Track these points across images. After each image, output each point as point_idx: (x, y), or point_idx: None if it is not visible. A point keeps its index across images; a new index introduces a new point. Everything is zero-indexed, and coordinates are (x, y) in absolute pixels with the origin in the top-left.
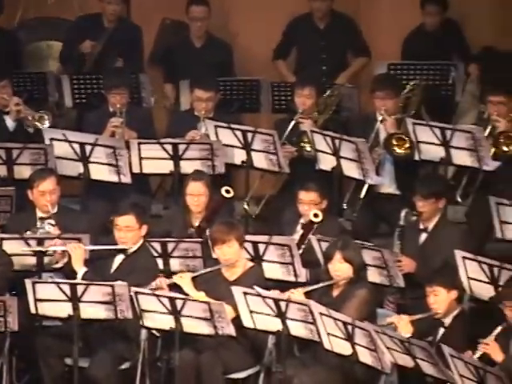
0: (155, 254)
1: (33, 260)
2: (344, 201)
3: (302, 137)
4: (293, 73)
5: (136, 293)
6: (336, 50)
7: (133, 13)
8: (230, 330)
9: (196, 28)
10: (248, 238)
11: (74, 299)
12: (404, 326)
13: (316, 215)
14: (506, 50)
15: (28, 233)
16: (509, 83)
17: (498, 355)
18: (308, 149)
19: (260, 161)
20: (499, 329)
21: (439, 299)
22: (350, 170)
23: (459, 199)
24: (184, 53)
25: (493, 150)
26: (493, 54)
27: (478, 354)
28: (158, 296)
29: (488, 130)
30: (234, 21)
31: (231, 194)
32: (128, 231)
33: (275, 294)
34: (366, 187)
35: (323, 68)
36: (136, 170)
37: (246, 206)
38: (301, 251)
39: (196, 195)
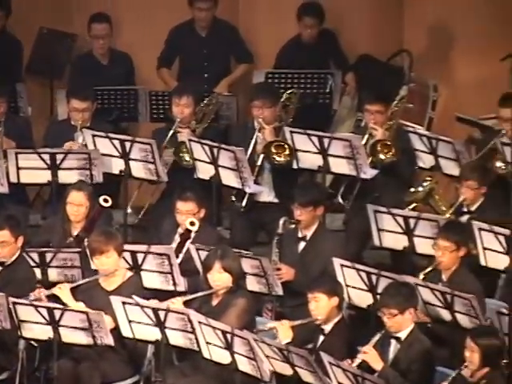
0: (33, 264)
1: None
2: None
3: (180, 147)
4: (176, 81)
5: (14, 303)
6: (218, 57)
7: (12, 23)
8: (109, 340)
9: (99, 45)
10: (127, 247)
11: None
12: (284, 331)
13: (192, 223)
14: (383, 59)
15: None
16: (385, 92)
17: (376, 363)
18: (187, 158)
19: (138, 170)
20: (378, 336)
21: (320, 305)
22: (229, 178)
23: (341, 201)
24: (91, 71)
25: (370, 158)
26: (369, 63)
27: (356, 362)
28: (36, 306)
29: (365, 139)
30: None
31: (109, 203)
32: (3, 246)
33: (154, 303)
34: (246, 196)
35: (206, 76)
36: (13, 179)
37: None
38: (179, 260)
39: (76, 205)
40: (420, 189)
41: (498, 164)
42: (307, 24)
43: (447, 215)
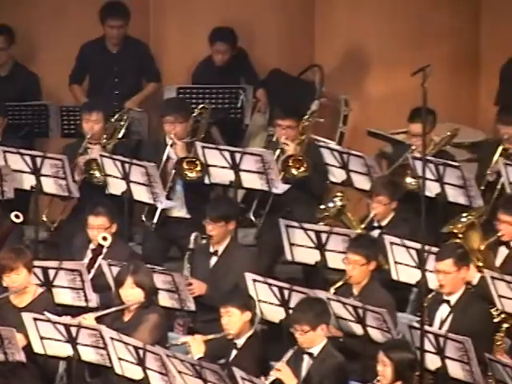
0: None
1: None
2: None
3: (91, 164)
4: (87, 97)
5: None
6: (129, 74)
7: None
8: (21, 357)
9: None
10: (38, 263)
11: None
12: (197, 346)
13: (104, 238)
14: (294, 74)
15: None
16: (296, 107)
17: (290, 380)
18: (97, 175)
19: (49, 186)
20: (290, 353)
21: (232, 320)
22: (141, 194)
23: (253, 218)
24: None
25: (282, 173)
26: (280, 78)
27: (270, 380)
28: None
29: (277, 154)
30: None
31: (21, 219)
32: None
33: (66, 319)
34: (158, 212)
35: (116, 93)
36: None
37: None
38: (91, 276)
39: None
40: (331, 205)
41: (408, 180)
42: (219, 49)
43: (358, 230)
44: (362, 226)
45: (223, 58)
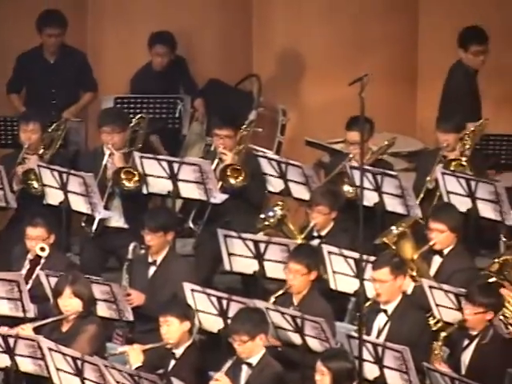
0: None
1: None
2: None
3: (28, 174)
4: (24, 106)
5: None
6: (66, 84)
7: None
8: None
9: None
10: None
11: None
12: (135, 355)
13: (42, 249)
14: (232, 83)
15: None
16: (234, 116)
17: None
18: (35, 186)
19: None
20: (229, 363)
21: (171, 330)
22: (78, 204)
23: (192, 226)
24: None
25: (220, 182)
26: (218, 88)
27: None
28: None
29: (215, 163)
30: None
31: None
32: None
33: (3, 330)
34: (96, 222)
35: (53, 102)
36: None
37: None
38: (29, 286)
39: None
40: (271, 214)
41: (346, 188)
42: (158, 52)
43: (298, 240)
44: (302, 235)
45: (162, 61)
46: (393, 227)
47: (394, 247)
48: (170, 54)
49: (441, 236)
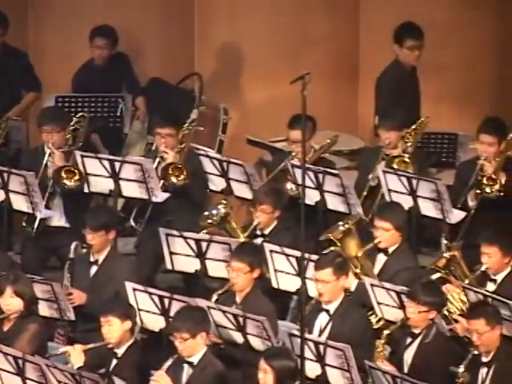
0: None
1: None
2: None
3: None
4: None
5: None
6: (8, 84)
7: None
8: None
9: None
10: None
11: None
12: (76, 355)
13: None
14: (173, 82)
15: None
16: (176, 115)
17: None
18: None
19: None
20: (170, 361)
21: (113, 329)
22: (20, 203)
23: (133, 224)
24: None
25: (162, 181)
26: (160, 86)
27: None
28: None
29: (156, 162)
30: None
31: None
32: None
33: None
34: (37, 221)
35: None
36: None
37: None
38: None
39: None
40: (214, 212)
41: (289, 186)
42: (99, 45)
43: (241, 238)
44: (245, 234)
45: (102, 53)
46: (340, 223)
47: (338, 244)
48: (110, 47)
49: (386, 234)
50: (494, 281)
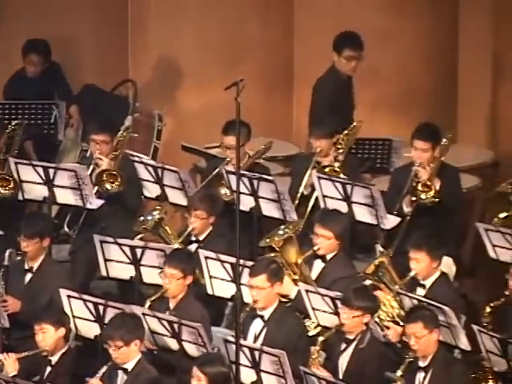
0: None
1: None
2: None
3: None
4: None
5: None
6: None
7: None
8: None
9: None
10: None
11: None
12: (10, 364)
13: None
14: (107, 89)
15: None
16: (110, 122)
17: None
18: None
19: None
20: (104, 369)
21: (47, 337)
22: None
23: (67, 230)
24: None
25: (96, 188)
26: (94, 93)
27: None
28: None
29: (91, 169)
30: None
31: None
32: None
33: None
34: None
35: None
36: None
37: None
38: None
39: None
40: (149, 217)
41: (223, 191)
42: (33, 61)
43: (175, 244)
44: (180, 239)
45: (35, 69)
46: (279, 229)
47: (278, 250)
48: (43, 62)
49: (326, 242)
50: (424, 286)
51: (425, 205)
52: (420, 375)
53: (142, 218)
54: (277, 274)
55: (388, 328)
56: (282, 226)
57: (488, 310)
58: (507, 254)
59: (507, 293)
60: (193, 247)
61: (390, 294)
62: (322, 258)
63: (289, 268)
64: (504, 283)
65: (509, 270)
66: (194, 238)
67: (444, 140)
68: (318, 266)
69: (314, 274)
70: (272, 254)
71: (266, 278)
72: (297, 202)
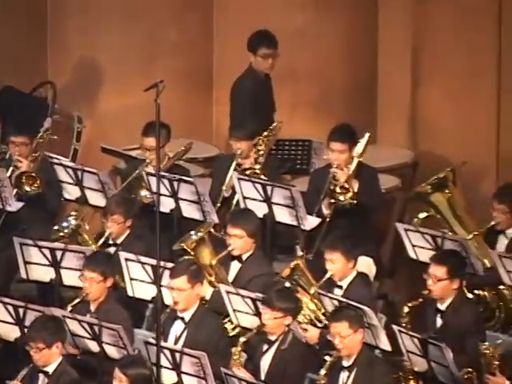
0: None
1: None
2: None
3: None
4: None
5: None
6: None
7: None
8: None
9: None
10: None
11: None
12: None
13: None
14: (26, 90)
15: None
16: (29, 124)
17: None
18: None
19: None
20: (25, 371)
21: None
22: None
23: None
24: None
25: (15, 190)
26: (12, 94)
27: None
28: None
29: (10, 171)
30: None
31: None
32: None
33: None
34: None
35: None
36: None
37: None
38: None
39: None
40: (65, 224)
41: (143, 193)
42: None
43: (94, 247)
44: (98, 244)
45: None
46: (192, 232)
47: (192, 253)
48: None
49: (239, 242)
50: (341, 287)
51: (344, 206)
52: (344, 375)
53: (56, 227)
54: (197, 275)
55: (306, 330)
56: (193, 232)
57: (406, 310)
58: (426, 254)
59: (425, 292)
60: (111, 250)
61: (307, 297)
62: (239, 258)
63: (203, 270)
64: (423, 283)
65: (427, 269)
66: (111, 242)
67: (360, 140)
68: (235, 266)
69: (232, 275)
70: (186, 257)
71: (186, 279)
72: (218, 204)
